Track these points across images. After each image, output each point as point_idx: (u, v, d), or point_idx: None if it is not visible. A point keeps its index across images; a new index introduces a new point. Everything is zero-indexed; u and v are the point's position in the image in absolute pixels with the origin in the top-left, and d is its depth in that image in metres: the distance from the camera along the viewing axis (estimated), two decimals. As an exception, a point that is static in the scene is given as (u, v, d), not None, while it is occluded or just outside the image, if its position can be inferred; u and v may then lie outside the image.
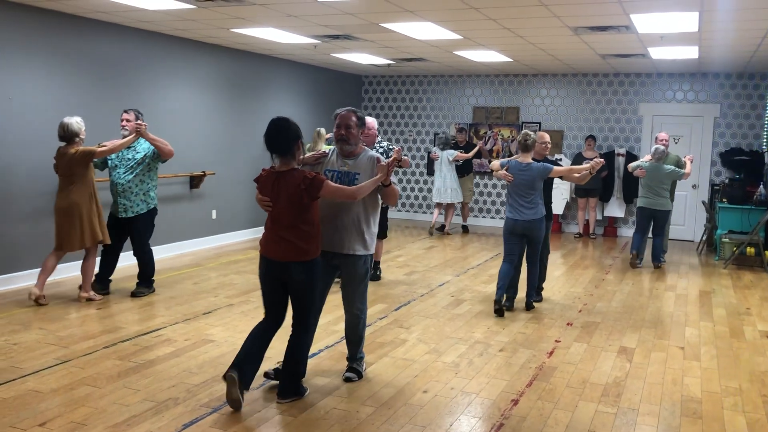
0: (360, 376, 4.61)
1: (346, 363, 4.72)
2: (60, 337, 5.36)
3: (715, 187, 10.92)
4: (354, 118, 4.30)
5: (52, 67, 7.26)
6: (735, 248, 9.13)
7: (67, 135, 6.17)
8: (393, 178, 4.30)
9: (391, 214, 13.53)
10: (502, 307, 6.29)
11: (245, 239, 10.40)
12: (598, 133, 11.92)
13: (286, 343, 4.24)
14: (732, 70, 10.81)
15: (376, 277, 7.70)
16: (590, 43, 8.47)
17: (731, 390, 4.62)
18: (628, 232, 11.67)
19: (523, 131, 6.29)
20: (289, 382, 4.20)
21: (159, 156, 6.55)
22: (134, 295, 6.66)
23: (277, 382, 4.32)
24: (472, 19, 7.05)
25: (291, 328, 4.24)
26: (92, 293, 6.46)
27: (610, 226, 11.86)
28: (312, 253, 4.08)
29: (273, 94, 10.95)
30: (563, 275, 8.38)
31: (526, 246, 6.47)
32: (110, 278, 6.79)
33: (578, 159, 11.38)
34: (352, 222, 4.32)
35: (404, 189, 13.56)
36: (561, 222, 12.27)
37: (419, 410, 4.11)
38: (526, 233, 6.33)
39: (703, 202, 10.73)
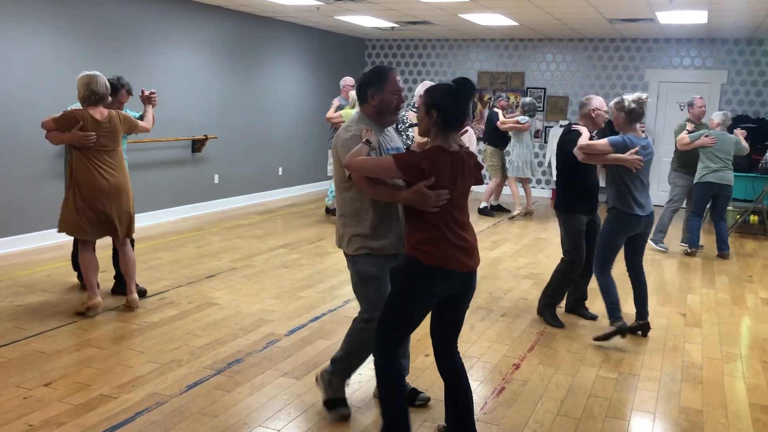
0: None
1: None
2: (64, 299, 5.38)
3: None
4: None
5: (55, 28, 7.16)
6: (738, 216, 9.10)
7: None
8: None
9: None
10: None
11: (248, 204, 10.39)
12: (604, 99, 11.78)
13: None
14: (741, 35, 10.65)
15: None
16: (597, 7, 8.33)
17: (732, 356, 4.64)
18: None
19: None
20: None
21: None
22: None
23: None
24: (478, -19, 6.93)
25: None
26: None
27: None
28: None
29: (275, 58, 10.84)
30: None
31: None
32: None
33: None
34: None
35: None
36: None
37: (421, 373, 4.13)
38: None
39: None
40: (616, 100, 4.71)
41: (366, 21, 10.48)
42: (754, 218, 9.06)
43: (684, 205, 8.13)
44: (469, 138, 5.98)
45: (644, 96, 4.60)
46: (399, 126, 5.72)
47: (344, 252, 3.38)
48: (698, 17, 8.73)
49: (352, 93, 8.08)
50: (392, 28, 11.25)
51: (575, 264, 5.07)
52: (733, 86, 11.06)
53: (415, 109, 5.83)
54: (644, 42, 11.51)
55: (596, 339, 4.73)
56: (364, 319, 3.38)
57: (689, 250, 7.69)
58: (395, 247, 3.26)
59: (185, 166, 9.19)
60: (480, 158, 9.77)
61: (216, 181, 9.80)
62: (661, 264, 7.31)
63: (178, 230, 8.26)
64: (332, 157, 3.38)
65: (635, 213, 4.63)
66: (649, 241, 7.67)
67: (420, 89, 5.91)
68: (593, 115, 4.87)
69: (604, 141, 4.60)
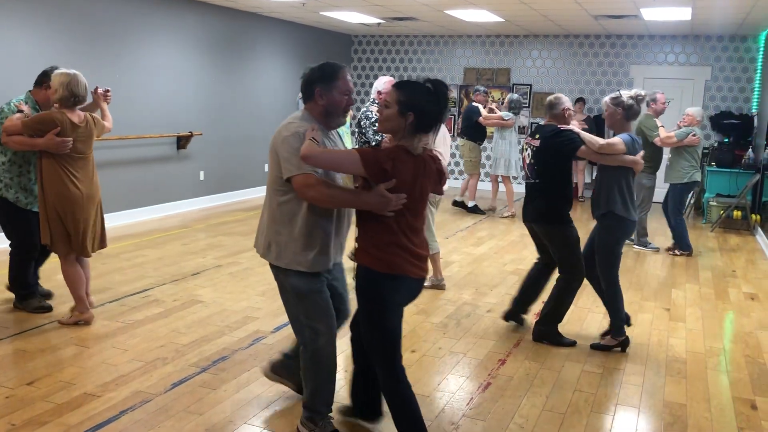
0: None
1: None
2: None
3: (704, 151, 10.90)
4: None
5: (38, 24, 7.08)
6: (722, 211, 9.18)
7: None
8: None
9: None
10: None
11: (234, 201, 10.34)
12: (589, 96, 11.86)
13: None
14: (724, 32, 10.72)
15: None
16: (583, 3, 8.36)
17: (715, 350, 4.68)
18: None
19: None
20: None
21: None
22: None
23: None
24: (463, -23, 6.92)
25: None
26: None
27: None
28: None
29: (260, 54, 10.79)
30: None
31: None
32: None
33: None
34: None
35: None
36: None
37: (407, 369, 4.10)
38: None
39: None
40: (612, 95, 4.49)
41: (352, 17, 10.46)
42: (737, 213, 9.14)
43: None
44: (444, 136, 5.59)
45: (643, 92, 4.47)
46: (363, 122, 5.72)
47: (271, 264, 3.08)
48: (682, 14, 8.79)
49: None
50: (378, 24, 11.23)
51: (579, 277, 4.57)
52: (717, 82, 11.14)
53: (377, 104, 5.78)
54: (629, 38, 11.57)
55: (594, 347, 4.60)
56: (309, 340, 3.09)
57: (680, 252, 7.52)
58: (332, 258, 3.05)
59: (170, 163, 9.13)
60: (458, 153, 9.76)
61: (201, 178, 9.75)
62: (645, 259, 7.35)
63: (163, 227, 8.21)
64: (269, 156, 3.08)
65: (632, 219, 4.45)
66: (636, 247, 7.71)
67: (378, 84, 5.89)
68: (566, 114, 4.51)
69: (618, 140, 4.33)
